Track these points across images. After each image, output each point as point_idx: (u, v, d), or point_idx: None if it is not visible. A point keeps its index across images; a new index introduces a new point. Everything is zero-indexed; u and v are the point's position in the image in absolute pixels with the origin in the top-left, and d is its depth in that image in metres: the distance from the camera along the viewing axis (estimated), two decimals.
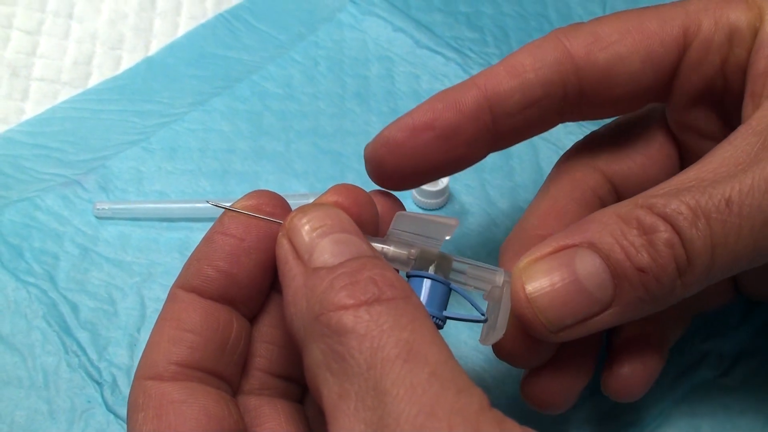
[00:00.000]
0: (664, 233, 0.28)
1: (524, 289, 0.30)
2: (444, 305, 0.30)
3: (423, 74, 0.56)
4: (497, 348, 0.34)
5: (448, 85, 0.55)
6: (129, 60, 0.56)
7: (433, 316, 0.29)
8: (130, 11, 0.58)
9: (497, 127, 0.34)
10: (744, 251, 0.29)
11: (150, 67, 0.56)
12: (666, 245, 0.28)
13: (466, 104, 0.33)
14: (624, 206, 0.30)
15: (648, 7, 0.34)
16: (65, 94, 0.54)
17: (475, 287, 0.32)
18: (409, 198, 0.50)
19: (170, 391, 0.28)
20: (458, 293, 0.31)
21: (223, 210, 0.31)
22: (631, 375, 0.35)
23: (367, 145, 0.35)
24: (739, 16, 0.33)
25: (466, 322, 0.32)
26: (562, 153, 0.40)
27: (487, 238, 0.48)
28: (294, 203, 0.47)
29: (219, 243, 0.30)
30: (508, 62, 0.34)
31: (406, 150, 0.33)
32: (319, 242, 0.27)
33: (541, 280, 0.30)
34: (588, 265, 0.29)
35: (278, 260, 0.29)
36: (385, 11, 0.59)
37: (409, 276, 0.31)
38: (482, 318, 0.31)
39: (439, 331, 0.26)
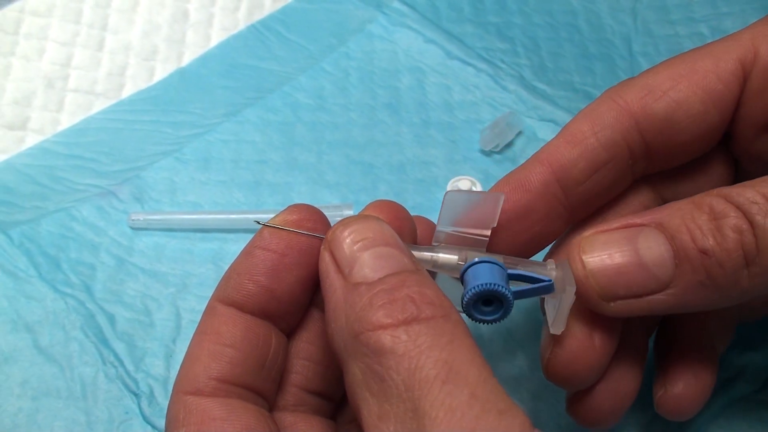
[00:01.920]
0: (733, 218, 0.28)
1: (580, 254, 0.30)
2: (507, 283, 0.30)
3: (454, 85, 0.56)
4: (550, 367, 0.33)
5: (479, 96, 0.55)
6: (162, 71, 0.57)
7: (502, 287, 0.29)
8: (163, 23, 0.59)
9: (569, 198, 0.34)
10: None
11: (183, 78, 0.56)
12: (734, 230, 0.28)
13: (532, 182, 0.33)
14: (700, 195, 0.29)
15: (697, 48, 0.34)
16: (99, 105, 0.55)
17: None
18: None
19: (211, 407, 0.28)
20: (515, 275, 0.30)
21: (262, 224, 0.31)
22: (686, 393, 0.35)
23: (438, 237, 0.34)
24: None
25: (536, 297, 0.31)
26: None
27: None
28: (326, 214, 0.47)
29: (260, 258, 0.30)
30: (566, 132, 0.34)
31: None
32: (359, 256, 0.27)
33: (599, 248, 0.30)
34: (650, 242, 0.29)
35: (320, 273, 0.29)
36: (416, 23, 0.59)
37: (464, 270, 0.30)
38: (549, 281, 0.30)
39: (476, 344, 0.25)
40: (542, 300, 0.33)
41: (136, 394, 0.41)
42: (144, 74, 0.57)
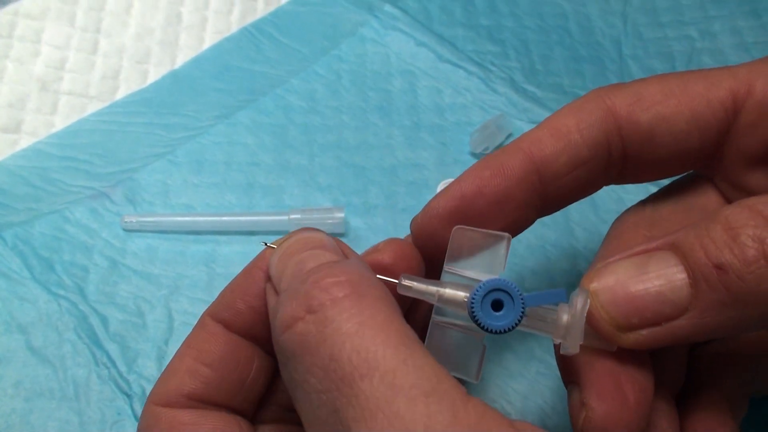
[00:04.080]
0: (752, 228, 0.26)
1: (590, 286, 0.29)
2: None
3: (445, 88, 0.57)
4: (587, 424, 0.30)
5: (469, 98, 0.56)
6: (155, 74, 0.57)
7: (511, 283, 0.28)
8: (156, 26, 0.59)
9: (545, 190, 0.32)
10: None
11: (176, 80, 0.57)
12: (754, 240, 0.25)
13: (513, 169, 0.32)
14: (719, 209, 0.28)
15: (694, 70, 0.33)
16: (93, 108, 0.55)
17: (541, 327, 0.30)
18: None
19: (181, 414, 0.28)
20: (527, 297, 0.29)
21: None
22: None
23: (414, 219, 0.33)
24: None
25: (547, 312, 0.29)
26: None
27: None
28: (318, 217, 0.48)
29: (256, 278, 0.30)
30: (550, 124, 0.33)
31: (458, 219, 0.31)
32: (285, 270, 0.27)
33: (607, 278, 0.28)
34: (661, 265, 0.27)
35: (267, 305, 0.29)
36: (408, 26, 0.60)
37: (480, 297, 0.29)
38: (561, 290, 0.28)
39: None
40: (558, 358, 0.31)
41: (128, 395, 0.42)
42: (137, 77, 0.57)
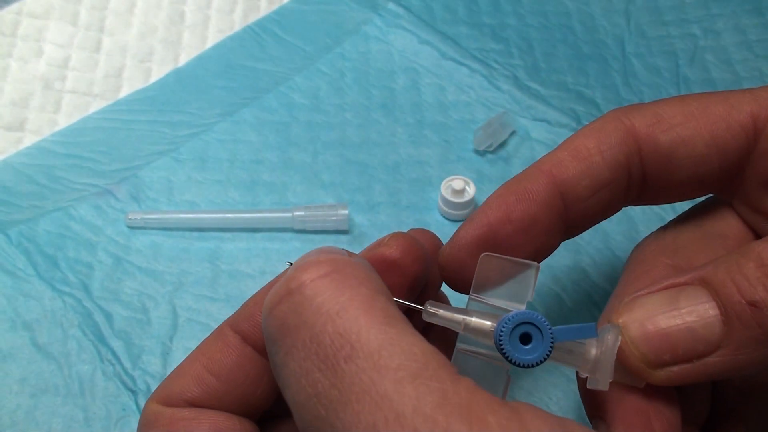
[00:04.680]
0: None
1: (619, 321, 0.28)
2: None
3: (448, 86, 0.57)
4: None
5: (473, 96, 0.56)
6: (158, 73, 0.57)
7: (540, 317, 0.27)
8: (159, 25, 0.59)
9: (569, 213, 0.32)
10: None
11: (179, 78, 0.57)
12: None
13: (538, 193, 0.31)
14: (748, 244, 0.27)
15: (714, 92, 0.33)
16: (96, 106, 0.55)
17: (567, 360, 0.29)
18: (435, 209, 0.50)
19: (180, 412, 0.28)
20: (556, 331, 0.28)
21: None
22: None
23: (442, 251, 0.32)
24: None
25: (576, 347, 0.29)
26: None
27: None
28: (322, 214, 0.48)
29: None
30: (570, 146, 0.32)
31: (485, 248, 0.30)
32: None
33: (637, 312, 0.28)
34: (693, 300, 0.27)
35: None
36: (411, 24, 0.60)
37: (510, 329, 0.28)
38: (591, 325, 0.28)
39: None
40: (582, 391, 0.31)
41: (133, 392, 0.42)
42: (141, 76, 0.57)
